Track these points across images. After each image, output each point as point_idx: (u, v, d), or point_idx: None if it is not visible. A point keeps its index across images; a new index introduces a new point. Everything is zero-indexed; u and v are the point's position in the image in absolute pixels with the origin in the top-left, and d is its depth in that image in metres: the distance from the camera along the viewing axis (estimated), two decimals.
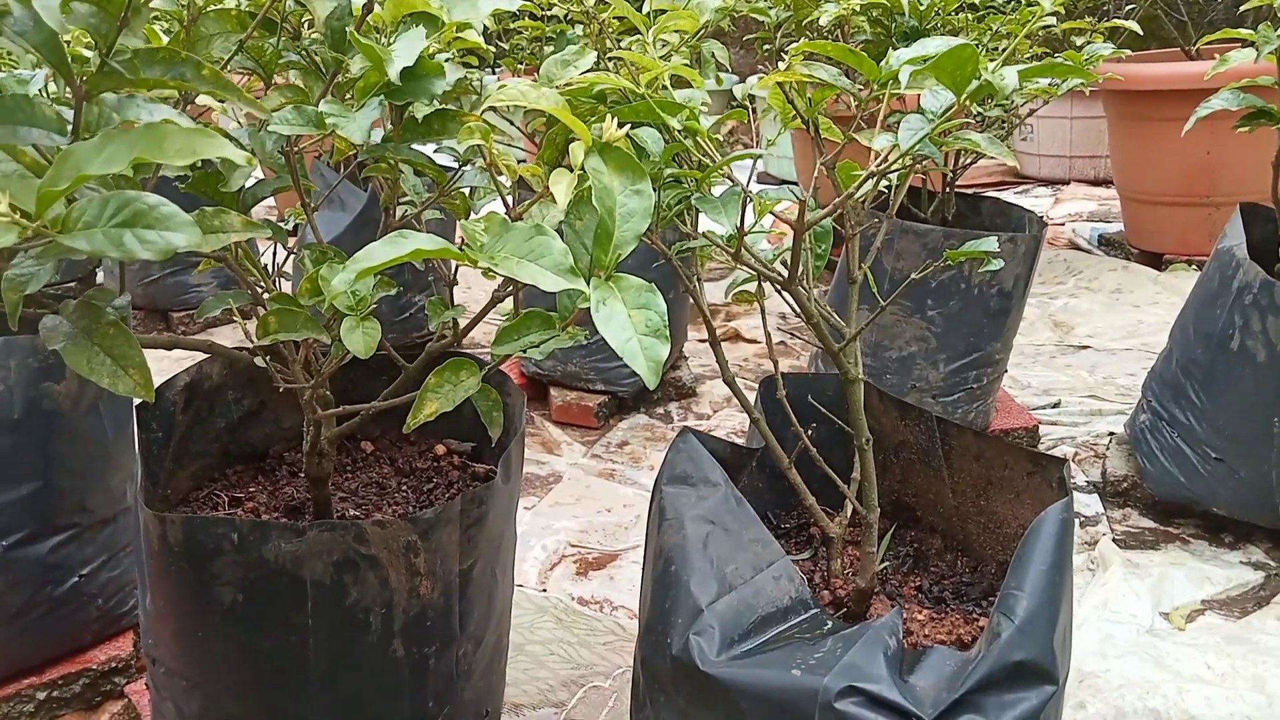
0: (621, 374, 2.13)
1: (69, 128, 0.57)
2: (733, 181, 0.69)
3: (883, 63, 0.73)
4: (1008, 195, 3.97)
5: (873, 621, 0.78)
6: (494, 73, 2.56)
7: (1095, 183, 3.96)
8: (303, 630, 0.93)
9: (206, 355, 1.12)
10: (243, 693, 0.98)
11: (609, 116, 0.61)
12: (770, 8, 1.70)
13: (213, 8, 0.77)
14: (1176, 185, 2.74)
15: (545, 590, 1.59)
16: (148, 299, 2.74)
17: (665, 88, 0.69)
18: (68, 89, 0.55)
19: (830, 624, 0.81)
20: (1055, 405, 2.11)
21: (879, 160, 0.64)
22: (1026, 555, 0.72)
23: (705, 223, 0.72)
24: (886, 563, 0.96)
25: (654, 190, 0.75)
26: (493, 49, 2.11)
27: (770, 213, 0.69)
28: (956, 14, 1.70)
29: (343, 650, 0.95)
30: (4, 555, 1.23)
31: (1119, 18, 3.31)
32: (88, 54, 0.74)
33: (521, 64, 2.24)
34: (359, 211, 2.26)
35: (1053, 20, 1.69)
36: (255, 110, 0.57)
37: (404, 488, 1.22)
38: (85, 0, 0.47)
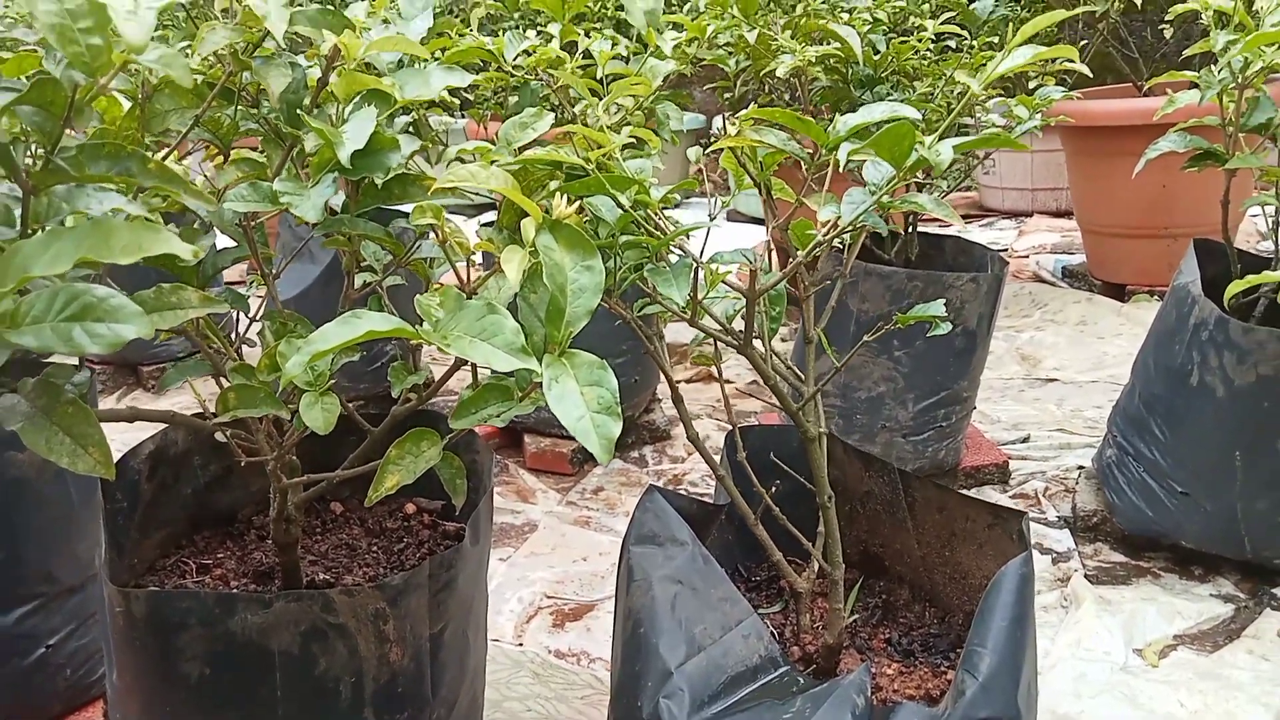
0: None
1: (17, 220, 0.57)
2: (684, 253, 0.70)
3: (830, 128, 0.74)
4: (972, 228, 4.03)
5: (841, 679, 0.79)
6: (461, 117, 2.58)
7: (1058, 214, 4.03)
8: (271, 702, 0.92)
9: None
10: None
11: (558, 194, 0.62)
12: (730, 57, 1.73)
13: (167, 86, 0.78)
14: (1134, 218, 2.79)
15: (522, 644, 1.57)
16: (117, 354, 2.72)
17: (616, 158, 0.70)
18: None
19: (800, 682, 0.81)
20: (1025, 440, 2.13)
21: (825, 229, 0.65)
22: (988, 611, 0.73)
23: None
24: (855, 615, 0.96)
25: (610, 256, 0.76)
26: (456, 100, 2.13)
27: (723, 282, 0.70)
28: (912, 56, 1.73)
29: None
30: None
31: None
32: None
33: (487, 113, 2.27)
34: (327, 264, 2.27)
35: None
36: (201, 204, 0.57)
37: (374, 548, 1.21)
38: (28, 103, 0.48)
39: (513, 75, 1.02)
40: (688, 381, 2.60)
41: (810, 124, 0.73)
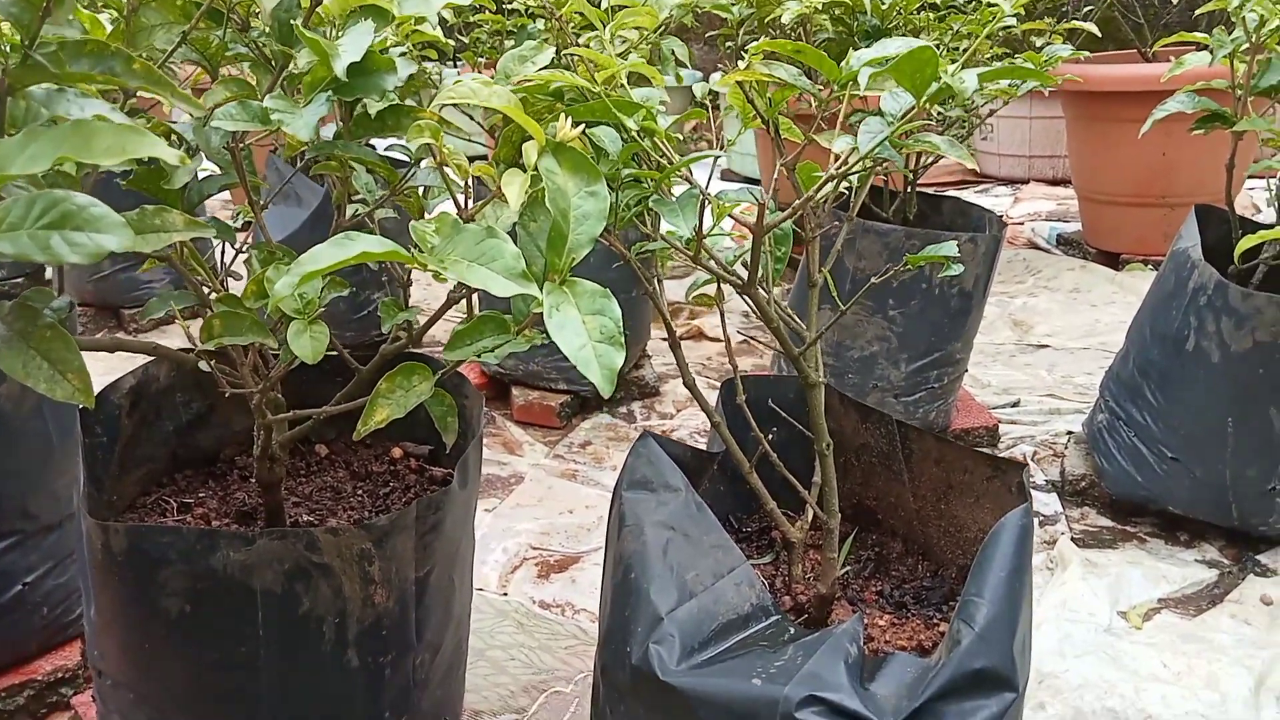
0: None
1: None
2: (690, 183, 0.68)
3: (843, 63, 0.72)
4: (968, 194, 4.01)
5: (834, 628, 0.78)
6: (455, 66, 2.53)
7: (1054, 182, 4.01)
8: (253, 641, 0.91)
9: (153, 357, 1.08)
10: (191, 706, 0.95)
11: (563, 116, 0.60)
12: (733, 4, 1.69)
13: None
14: (1133, 186, 2.77)
15: (506, 594, 1.57)
16: (98, 296, 2.67)
17: (623, 86, 0.67)
18: None
19: (791, 631, 0.80)
20: (1015, 404, 2.12)
21: (838, 163, 0.63)
22: (986, 561, 0.72)
23: (667, 223, 0.70)
24: (848, 567, 0.95)
25: (611, 191, 0.74)
26: (453, 43, 2.08)
27: (729, 215, 0.68)
28: (918, 13, 1.70)
29: (295, 661, 0.92)
30: None
31: (1077, 19, 3.35)
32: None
33: (482, 58, 2.22)
34: (315, 207, 2.22)
35: (1013, 21, 1.70)
36: (191, 108, 0.55)
37: (360, 492, 1.19)
38: None
39: (509, 16, 0.99)
40: (686, 337, 2.58)
41: (824, 58, 0.70)
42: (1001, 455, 0.86)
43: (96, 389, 1.08)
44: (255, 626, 0.90)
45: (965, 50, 1.69)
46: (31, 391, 1.25)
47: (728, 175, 4.32)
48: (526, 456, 2.03)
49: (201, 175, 0.88)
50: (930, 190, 2.12)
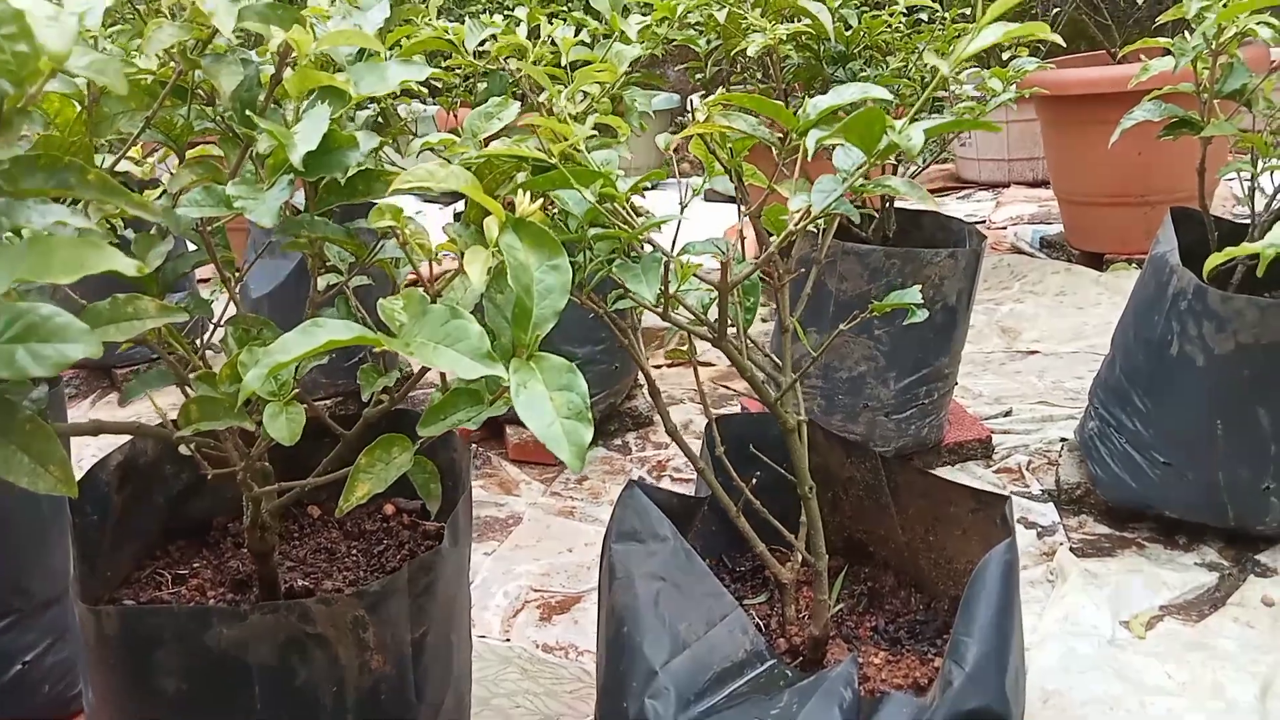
0: None
1: None
2: (654, 245, 0.69)
3: (800, 110, 0.73)
4: (949, 200, 4.02)
5: (828, 672, 0.78)
6: (431, 103, 2.55)
7: (1034, 184, 4.03)
8: (251, 715, 0.90)
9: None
10: None
11: (520, 191, 0.60)
12: (700, 36, 1.70)
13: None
14: (1111, 186, 2.79)
15: (509, 639, 1.56)
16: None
17: (581, 151, 0.68)
18: None
19: (787, 675, 0.80)
20: (1007, 414, 2.13)
21: (796, 219, 0.63)
22: (973, 600, 0.72)
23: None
24: (841, 603, 0.95)
25: (579, 249, 0.74)
26: (425, 88, 2.10)
27: (694, 275, 0.69)
28: (883, 32, 1.71)
29: None
30: None
31: (1045, 20, 3.37)
32: None
33: (456, 100, 2.23)
34: (300, 259, 2.23)
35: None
36: (144, 213, 0.55)
37: (354, 551, 1.19)
38: None
39: (481, 58, 1.00)
40: (668, 366, 2.58)
41: (780, 108, 0.71)
42: (983, 490, 0.86)
43: (90, 462, 1.08)
44: (253, 700, 0.90)
45: (934, 69, 1.71)
46: None
47: (711, 195, 4.33)
48: (523, 496, 2.03)
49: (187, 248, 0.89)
50: (910, 206, 2.13)
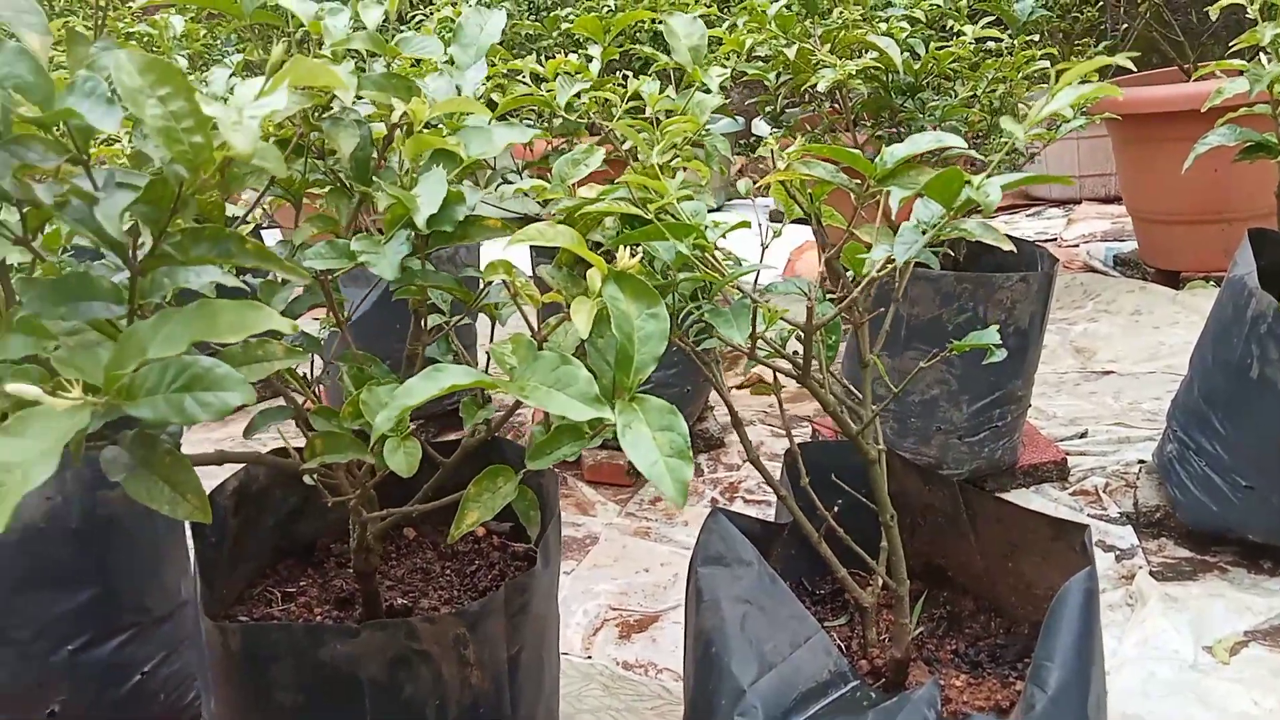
0: None
1: (125, 296, 0.62)
2: (743, 292, 0.73)
3: (878, 159, 0.77)
4: (1020, 217, 3.99)
5: (912, 693, 0.81)
6: None
7: (1107, 200, 3.98)
8: None
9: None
10: None
11: (623, 247, 0.65)
12: (770, 72, 1.75)
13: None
14: (1187, 204, 2.75)
15: (590, 657, 1.61)
16: None
17: (674, 204, 0.73)
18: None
19: (871, 697, 0.84)
20: (1082, 435, 2.11)
21: (878, 268, 0.67)
22: (1054, 626, 0.74)
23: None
24: (921, 627, 0.98)
25: (668, 292, 0.80)
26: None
27: (781, 319, 0.73)
28: (951, 64, 1.74)
29: None
30: (70, 659, 1.28)
31: (1114, 35, 3.33)
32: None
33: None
34: (386, 286, 2.32)
35: (1045, 63, 1.73)
36: (294, 276, 0.62)
37: (448, 571, 1.26)
38: (144, 202, 0.52)
39: (565, 119, 1.06)
40: (738, 388, 2.62)
41: (858, 158, 0.75)
42: (1062, 519, 0.88)
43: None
44: (364, 713, 0.96)
45: (1001, 94, 1.73)
46: None
47: (776, 216, 4.37)
48: (599, 516, 2.08)
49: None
50: None
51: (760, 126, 4.00)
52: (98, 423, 0.71)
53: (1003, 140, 1.78)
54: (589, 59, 1.30)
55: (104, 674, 1.31)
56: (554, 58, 1.26)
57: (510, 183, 1.08)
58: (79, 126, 0.50)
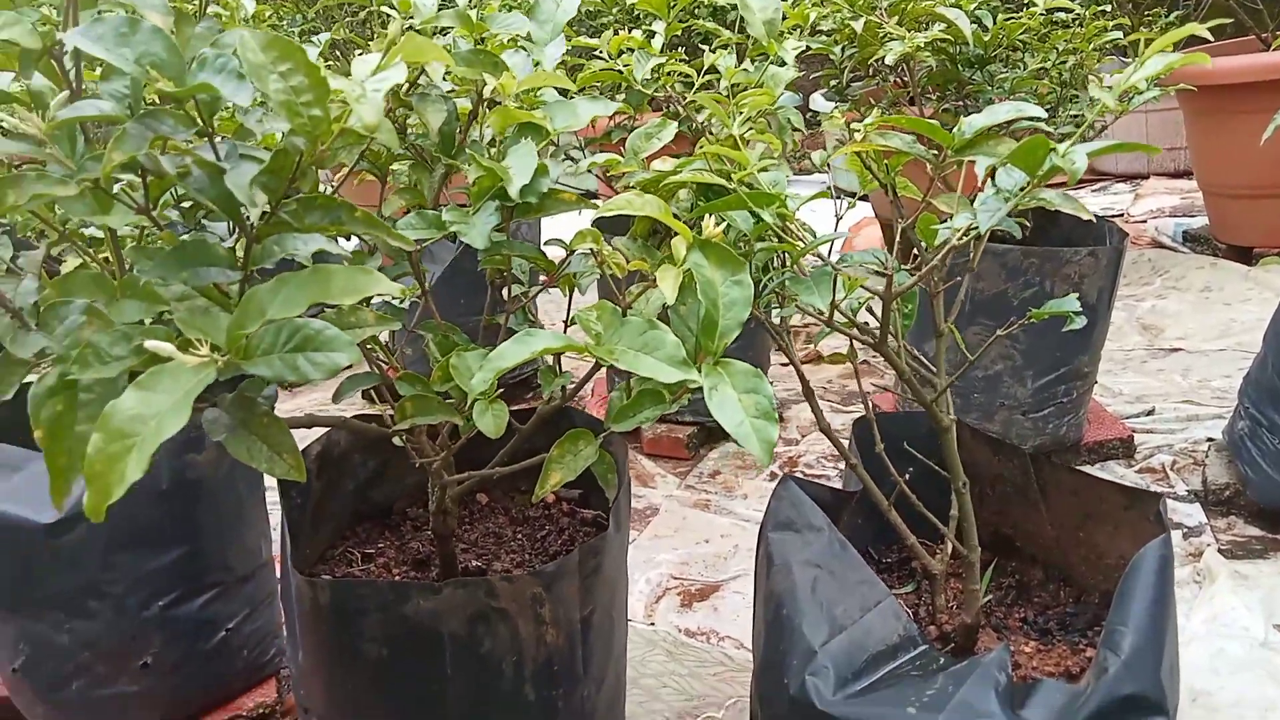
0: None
1: (239, 262, 0.66)
2: (823, 260, 0.75)
3: (955, 130, 0.77)
4: (1085, 193, 3.91)
5: (982, 657, 0.82)
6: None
7: (1176, 175, 3.88)
8: (442, 680, 1.01)
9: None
10: None
11: (708, 216, 0.67)
12: (835, 44, 1.75)
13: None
14: (1262, 177, 2.68)
15: (653, 624, 1.64)
16: None
17: (754, 175, 0.75)
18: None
19: (940, 660, 0.85)
20: (1149, 413, 2.09)
21: (959, 235, 0.68)
22: (1128, 592, 0.75)
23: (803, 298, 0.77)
24: (990, 595, 0.99)
25: (747, 267, 0.81)
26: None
27: (862, 286, 0.74)
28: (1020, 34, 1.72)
29: (479, 697, 1.02)
30: (161, 614, 1.34)
31: (1186, 5, 3.23)
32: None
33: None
34: (449, 263, 2.37)
35: (1118, 34, 1.71)
36: (400, 243, 0.65)
37: (519, 536, 1.30)
38: (267, 173, 0.55)
39: (640, 91, 1.07)
40: (803, 363, 2.63)
41: (935, 128, 0.76)
42: (1136, 488, 0.89)
43: None
44: (444, 667, 1.00)
45: (1071, 66, 1.70)
46: (225, 457, 1.41)
47: (836, 191, 4.33)
48: (659, 488, 2.11)
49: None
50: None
51: (818, 101, 3.96)
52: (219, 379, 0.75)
53: (1071, 114, 1.76)
54: (651, 34, 1.31)
55: (192, 629, 1.38)
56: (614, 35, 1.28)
57: (573, 160, 1.11)
58: (205, 101, 0.54)
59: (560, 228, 1.02)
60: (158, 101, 0.61)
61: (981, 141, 0.74)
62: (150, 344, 0.52)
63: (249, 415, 0.83)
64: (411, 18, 0.80)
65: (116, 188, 0.64)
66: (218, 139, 0.61)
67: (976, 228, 0.65)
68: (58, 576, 1.28)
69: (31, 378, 0.81)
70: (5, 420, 1.21)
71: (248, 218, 0.62)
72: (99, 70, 0.65)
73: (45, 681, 1.34)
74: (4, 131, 0.75)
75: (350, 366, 0.59)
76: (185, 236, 0.69)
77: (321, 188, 0.99)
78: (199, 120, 0.54)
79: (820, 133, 4.34)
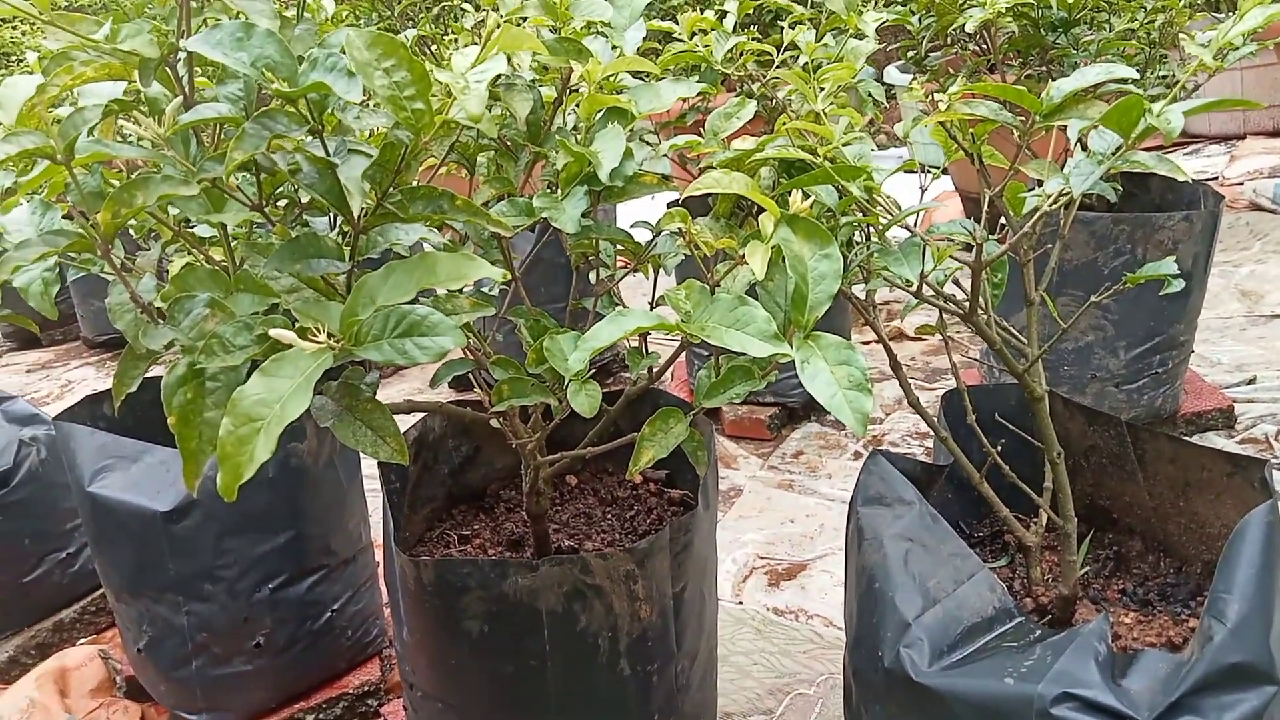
0: (789, 385, 2.18)
1: (347, 254, 0.69)
2: (911, 231, 0.75)
3: (1044, 95, 0.77)
4: (1176, 156, 3.77)
5: (1081, 628, 0.82)
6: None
7: (1275, 134, 3.71)
8: (541, 655, 1.04)
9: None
10: (491, 714, 1.10)
11: (797, 191, 0.68)
12: (913, 14, 1.72)
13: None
14: None
15: (741, 602, 1.66)
16: None
17: (840, 150, 0.75)
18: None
19: (1037, 632, 0.85)
20: (1250, 381, 2.02)
21: (1051, 200, 0.68)
22: (1233, 559, 0.74)
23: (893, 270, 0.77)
24: (1087, 567, 0.98)
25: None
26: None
27: (951, 257, 0.74)
28: None
29: (576, 672, 1.05)
30: (270, 596, 1.41)
31: None
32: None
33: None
34: (526, 253, 2.41)
35: None
36: (501, 229, 0.67)
37: (609, 516, 1.32)
38: (375, 166, 0.58)
39: (720, 70, 1.08)
40: (874, 342, 2.60)
41: (1023, 94, 0.75)
42: (1240, 454, 0.87)
43: None
44: (542, 642, 1.04)
45: (1160, 25, 1.65)
46: (326, 446, 1.47)
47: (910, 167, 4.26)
48: (742, 470, 2.12)
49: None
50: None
51: (892, 74, 3.90)
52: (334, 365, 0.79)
53: (1160, 74, 1.70)
54: (723, 14, 1.31)
55: (300, 610, 1.44)
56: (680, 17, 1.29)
57: (648, 143, 1.12)
58: (316, 100, 0.57)
59: (632, 214, 1.04)
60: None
61: (1071, 105, 0.73)
62: (274, 332, 0.55)
63: (354, 401, 0.87)
64: (495, 9, 0.83)
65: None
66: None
67: (1069, 192, 0.64)
68: (175, 561, 1.35)
69: (156, 371, 0.86)
70: (122, 415, 1.28)
71: (360, 209, 0.65)
72: (205, 75, 0.69)
73: (167, 660, 1.42)
74: (123, 138, 0.80)
75: (447, 353, 0.62)
76: (302, 231, 0.72)
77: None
78: (310, 118, 0.57)
79: (894, 106, 4.26)
